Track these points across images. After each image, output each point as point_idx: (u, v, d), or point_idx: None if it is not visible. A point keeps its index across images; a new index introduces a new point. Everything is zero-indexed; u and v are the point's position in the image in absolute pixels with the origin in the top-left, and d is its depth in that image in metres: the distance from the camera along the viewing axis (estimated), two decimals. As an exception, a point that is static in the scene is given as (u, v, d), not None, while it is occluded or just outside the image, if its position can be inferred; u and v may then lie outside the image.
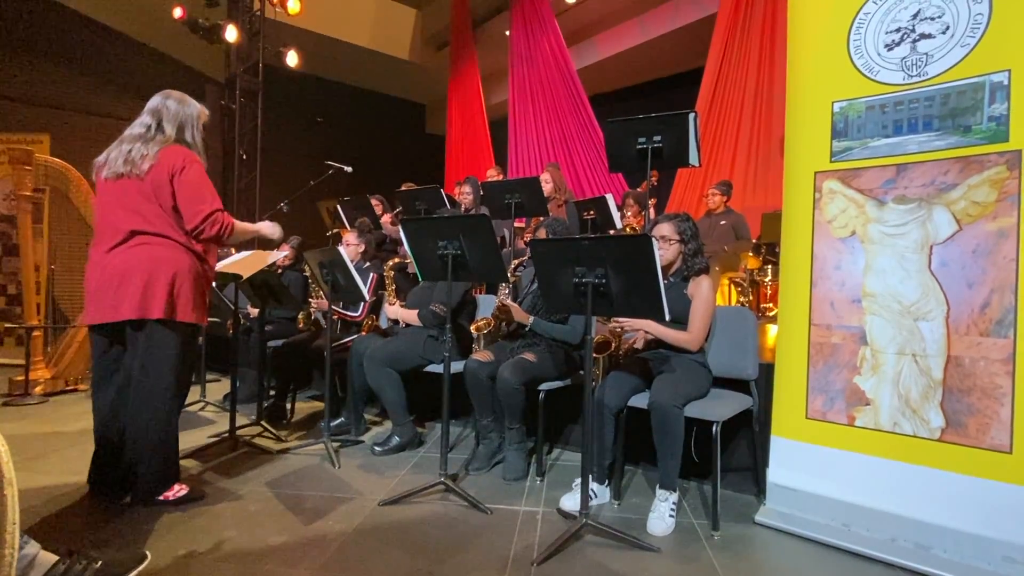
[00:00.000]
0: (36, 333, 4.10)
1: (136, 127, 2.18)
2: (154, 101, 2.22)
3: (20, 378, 3.93)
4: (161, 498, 2.12)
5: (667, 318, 1.88)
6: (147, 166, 2.08)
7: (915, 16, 1.96)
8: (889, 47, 2.00)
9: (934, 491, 1.82)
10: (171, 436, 2.16)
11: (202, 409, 3.68)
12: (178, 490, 2.16)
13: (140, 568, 1.62)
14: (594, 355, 2.38)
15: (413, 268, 2.43)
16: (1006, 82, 1.77)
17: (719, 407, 2.11)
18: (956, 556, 1.75)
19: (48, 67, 7.32)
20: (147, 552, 1.69)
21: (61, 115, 7.31)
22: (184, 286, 2.12)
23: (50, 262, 4.74)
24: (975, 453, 1.76)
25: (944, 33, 1.89)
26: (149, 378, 2.09)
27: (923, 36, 1.94)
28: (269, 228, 2.49)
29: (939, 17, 1.91)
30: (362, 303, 3.37)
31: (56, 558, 1.47)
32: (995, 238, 1.77)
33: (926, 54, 1.92)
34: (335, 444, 2.83)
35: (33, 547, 1.43)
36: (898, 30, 1.99)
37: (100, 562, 1.53)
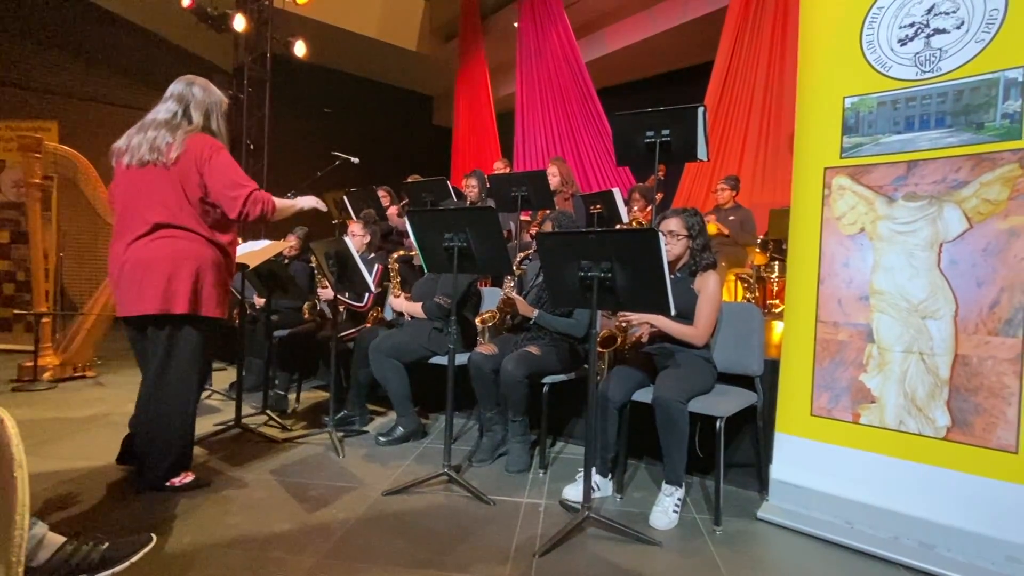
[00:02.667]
0: (45, 320, 4.13)
1: (161, 113, 2.13)
2: (178, 87, 2.18)
3: (29, 364, 3.96)
4: (168, 484, 2.14)
5: (672, 312, 1.88)
6: (174, 155, 2.04)
7: (929, 11, 1.93)
8: (902, 42, 1.98)
9: (938, 490, 1.81)
10: (188, 427, 2.19)
11: (208, 397, 3.71)
12: (184, 476, 2.18)
13: (145, 550, 1.64)
14: (599, 350, 2.38)
15: (419, 260, 2.43)
16: (1021, 79, 1.74)
17: (723, 403, 2.11)
18: (960, 555, 1.75)
19: (57, 55, 7.34)
20: (152, 535, 1.71)
21: (69, 103, 7.35)
22: (207, 280, 2.11)
23: (59, 249, 4.76)
24: (981, 453, 1.76)
25: (959, 28, 1.87)
26: (171, 370, 2.10)
27: (937, 31, 1.91)
28: (309, 201, 2.47)
29: (954, 12, 1.88)
30: (367, 294, 3.38)
31: (63, 539, 1.49)
32: (1006, 237, 1.75)
33: (940, 49, 1.90)
34: (339, 434, 2.85)
35: (41, 528, 1.45)
36: (912, 25, 1.96)
37: (106, 544, 1.56)
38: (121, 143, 2.14)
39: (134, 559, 1.60)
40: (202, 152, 2.08)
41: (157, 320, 2.07)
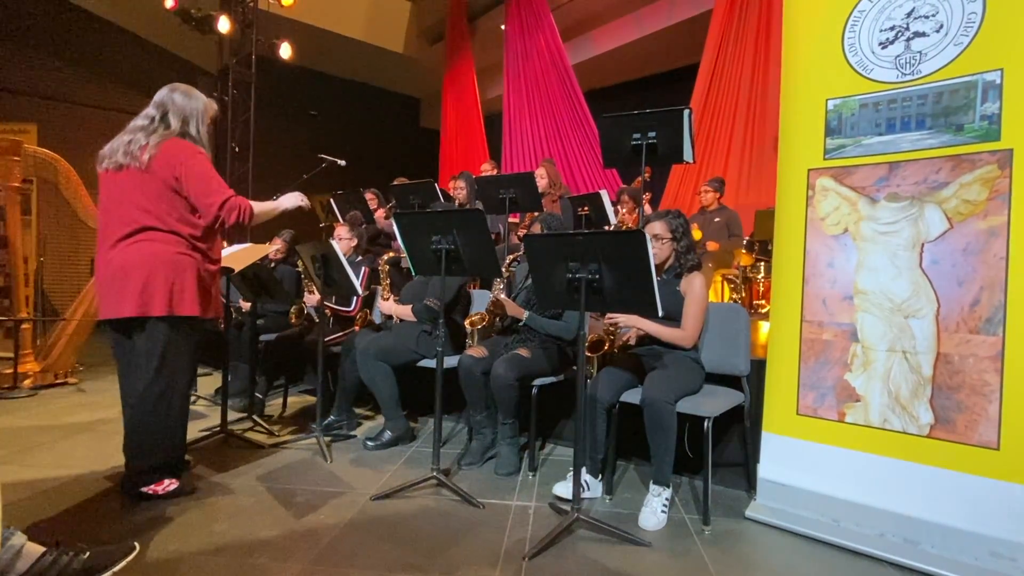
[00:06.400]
0: (25, 326, 4.05)
1: (140, 119, 2.16)
2: (160, 94, 2.20)
3: (9, 371, 3.89)
4: (151, 492, 2.11)
5: (660, 314, 1.89)
6: (147, 157, 2.05)
7: (909, 14, 1.96)
8: (883, 45, 2.01)
9: (922, 487, 1.83)
10: (174, 430, 2.17)
11: (193, 403, 3.66)
12: (168, 484, 2.15)
13: (128, 560, 1.61)
14: (587, 355, 2.38)
15: (407, 263, 2.42)
16: (998, 81, 1.78)
17: (711, 403, 2.12)
18: (944, 551, 1.77)
19: (36, 56, 7.22)
20: (135, 544, 1.68)
21: (50, 105, 7.22)
22: (187, 281, 2.10)
23: (39, 254, 4.68)
24: (963, 449, 1.78)
25: (938, 31, 1.90)
26: (153, 373, 2.09)
27: (917, 34, 1.94)
28: (291, 200, 2.45)
29: (933, 15, 1.92)
30: (355, 298, 3.35)
31: (43, 549, 1.46)
32: (986, 236, 1.78)
33: (920, 52, 1.93)
34: (327, 438, 2.83)
35: (19, 538, 1.42)
36: (892, 28, 1.99)
37: (87, 553, 1.53)
38: (105, 148, 2.15)
39: (116, 568, 1.57)
40: (177, 155, 2.09)
41: (138, 323, 2.07)
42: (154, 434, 2.11)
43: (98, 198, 2.18)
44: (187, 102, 2.19)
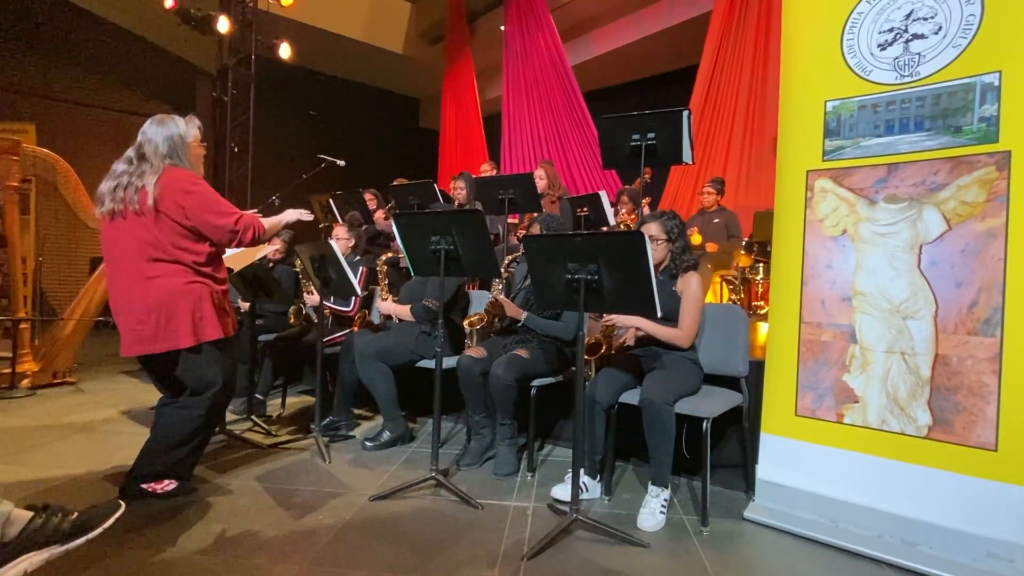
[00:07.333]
0: (23, 325, 4.04)
1: (121, 162, 2.13)
2: (140, 134, 2.15)
3: (7, 371, 3.88)
4: (150, 489, 2.11)
5: (659, 315, 1.89)
6: (151, 201, 2.03)
7: (908, 16, 1.97)
8: (882, 47, 2.01)
9: (921, 488, 1.84)
10: (197, 439, 2.19)
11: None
12: (167, 483, 2.14)
13: (116, 516, 1.62)
14: (585, 356, 2.38)
15: (406, 263, 2.42)
16: (997, 83, 1.78)
17: (709, 404, 2.12)
18: (941, 552, 1.77)
19: (34, 56, 7.22)
20: (121, 502, 1.68)
21: (48, 105, 7.21)
22: (205, 308, 2.12)
23: (37, 254, 4.67)
24: (961, 451, 1.78)
25: (936, 33, 1.91)
26: (188, 394, 2.17)
27: (916, 36, 1.95)
28: (293, 214, 2.49)
29: (932, 18, 1.92)
30: (353, 298, 3.35)
31: (31, 513, 1.47)
32: (984, 238, 1.79)
33: (918, 54, 1.94)
34: (326, 439, 2.82)
35: (6, 506, 1.43)
36: (891, 30, 2.00)
37: (75, 513, 1.54)
38: (98, 190, 2.14)
39: (106, 525, 1.58)
40: (176, 185, 2.06)
41: (168, 355, 2.10)
42: (174, 445, 2.14)
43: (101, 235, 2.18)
44: (161, 130, 2.12)
